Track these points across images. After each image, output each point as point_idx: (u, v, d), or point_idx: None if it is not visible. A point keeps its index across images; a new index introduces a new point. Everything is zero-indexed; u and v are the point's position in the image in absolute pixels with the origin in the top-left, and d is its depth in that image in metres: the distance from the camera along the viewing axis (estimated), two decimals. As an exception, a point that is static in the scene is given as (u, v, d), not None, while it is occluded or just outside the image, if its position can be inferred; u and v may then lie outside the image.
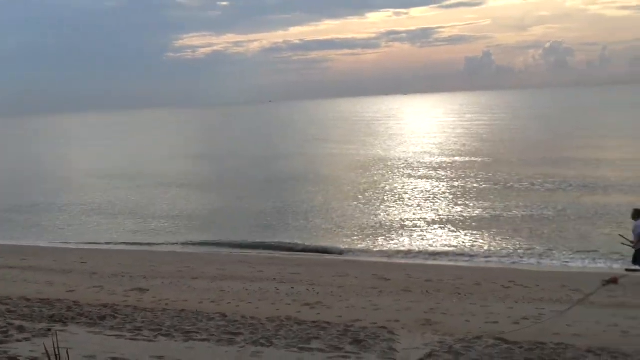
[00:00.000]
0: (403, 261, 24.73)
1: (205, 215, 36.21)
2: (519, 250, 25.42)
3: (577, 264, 23.20)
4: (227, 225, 32.74)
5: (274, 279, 21.03)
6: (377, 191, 40.84)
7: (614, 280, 19.34)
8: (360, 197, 39.02)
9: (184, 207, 38.18)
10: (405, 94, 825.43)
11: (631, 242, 20.35)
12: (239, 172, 56.12)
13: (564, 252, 24.72)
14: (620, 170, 44.85)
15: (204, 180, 51.23)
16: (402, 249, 26.80)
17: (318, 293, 18.93)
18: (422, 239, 28.20)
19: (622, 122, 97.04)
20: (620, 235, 20.94)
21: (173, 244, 29.84)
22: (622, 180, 39.76)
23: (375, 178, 47.01)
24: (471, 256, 25.21)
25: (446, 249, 26.53)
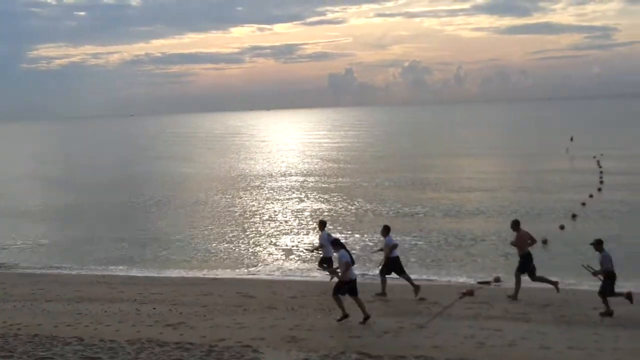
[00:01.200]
0: (268, 278, 24.62)
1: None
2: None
3: (435, 277, 23.86)
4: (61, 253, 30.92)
5: (135, 299, 20.38)
6: (229, 211, 40.29)
7: (469, 293, 20.15)
8: (212, 217, 38.35)
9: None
10: (268, 110, 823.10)
11: (315, 249, 21.85)
12: (83, 195, 52.37)
13: (417, 266, 25.35)
14: (461, 191, 46.69)
15: (43, 207, 47.12)
16: (264, 266, 26.67)
17: (181, 313, 18.52)
18: (283, 256, 28.12)
19: (472, 139, 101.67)
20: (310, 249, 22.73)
21: None
22: (461, 203, 41.47)
23: (224, 197, 46.39)
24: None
25: (307, 265, 26.58)
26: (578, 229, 30.78)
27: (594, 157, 60.00)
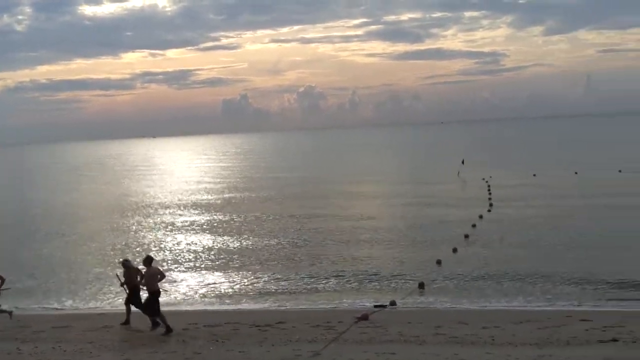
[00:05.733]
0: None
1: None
2: (275, 292, 25.52)
3: (332, 302, 23.70)
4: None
5: (16, 338, 19.18)
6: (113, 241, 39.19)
7: (364, 317, 20.09)
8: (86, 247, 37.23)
9: None
10: (155, 137, 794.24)
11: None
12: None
13: (317, 293, 25.24)
14: (353, 219, 47.09)
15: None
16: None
17: (65, 351, 17.59)
18: (173, 286, 27.30)
19: (366, 164, 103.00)
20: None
21: None
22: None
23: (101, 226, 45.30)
24: (225, 299, 24.88)
25: (199, 294, 25.87)
26: (470, 250, 31.42)
27: (484, 179, 61.86)
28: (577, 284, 24.26)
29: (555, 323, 18.75)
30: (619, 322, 18.47)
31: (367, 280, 26.33)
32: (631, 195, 47.93)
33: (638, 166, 70.23)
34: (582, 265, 26.92)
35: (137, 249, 35.48)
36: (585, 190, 52.83)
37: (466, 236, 34.12)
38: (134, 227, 43.75)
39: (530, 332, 17.91)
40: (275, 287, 26.15)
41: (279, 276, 27.73)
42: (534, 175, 65.88)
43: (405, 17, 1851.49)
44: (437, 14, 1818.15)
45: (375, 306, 22.07)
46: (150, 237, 39.58)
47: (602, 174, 64.50)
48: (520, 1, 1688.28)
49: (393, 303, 22.52)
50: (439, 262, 28.31)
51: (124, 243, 37.55)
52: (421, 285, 24.96)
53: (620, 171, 65.25)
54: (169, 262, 31.90)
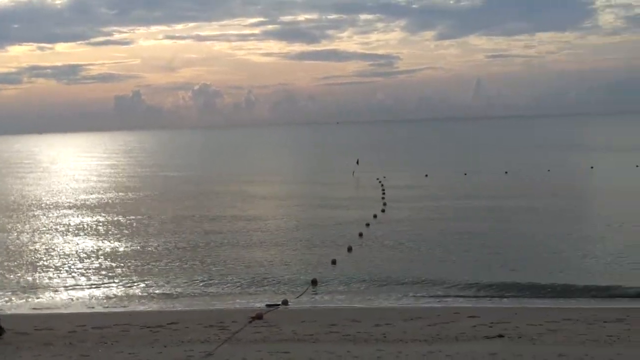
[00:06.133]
0: (44, 312, 22.87)
1: None
2: (167, 294, 25.09)
3: (222, 302, 23.52)
4: None
5: None
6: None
7: (258, 316, 20.02)
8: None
9: None
10: (41, 134, 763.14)
11: None
12: None
13: (210, 294, 24.99)
14: (246, 220, 47.04)
15: None
16: (37, 300, 24.78)
17: None
18: (58, 288, 26.26)
19: (261, 163, 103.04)
20: None
21: None
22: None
23: None
24: (115, 301, 24.25)
25: (87, 296, 25.01)
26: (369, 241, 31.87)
27: (378, 179, 62.94)
28: (465, 282, 25.02)
29: (444, 320, 19.25)
30: (505, 319, 19.15)
31: (262, 281, 26.25)
32: (516, 197, 49.98)
33: (523, 168, 73.42)
34: (469, 264, 27.85)
35: (18, 250, 34.10)
36: (473, 191, 54.66)
37: (360, 235, 34.58)
38: (17, 227, 41.96)
39: (420, 328, 18.30)
40: (167, 289, 25.67)
41: (171, 278, 27.23)
42: (426, 176, 67.61)
43: (301, 17, 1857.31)
44: (333, 16, 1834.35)
45: (268, 305, 22.07)
46: (33, 238, 37.99)
47: (489, 176, 66.94)
48: (414, 6, 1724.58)
49: (285, 302, 22.60)
50: (333, 262, 28.56)
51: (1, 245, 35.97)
52: (314, 282, 25.18)
53: (506, 173, 67.86)
54: (55, 263, 30.81)
